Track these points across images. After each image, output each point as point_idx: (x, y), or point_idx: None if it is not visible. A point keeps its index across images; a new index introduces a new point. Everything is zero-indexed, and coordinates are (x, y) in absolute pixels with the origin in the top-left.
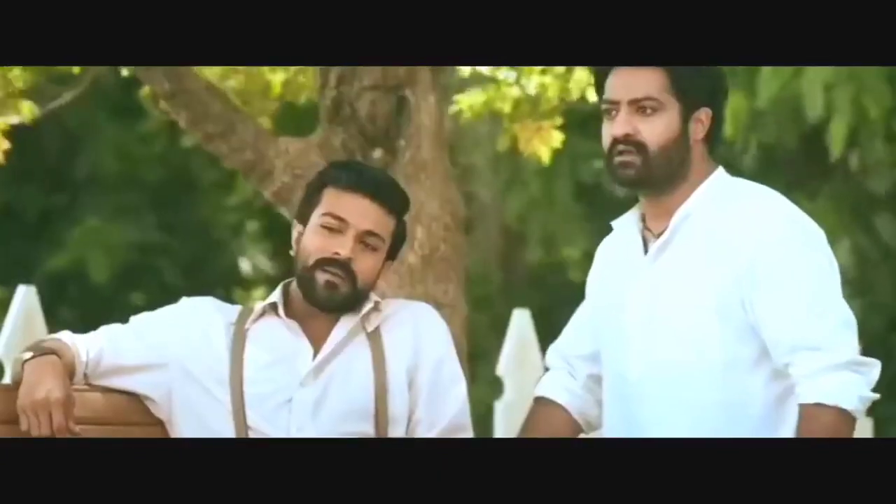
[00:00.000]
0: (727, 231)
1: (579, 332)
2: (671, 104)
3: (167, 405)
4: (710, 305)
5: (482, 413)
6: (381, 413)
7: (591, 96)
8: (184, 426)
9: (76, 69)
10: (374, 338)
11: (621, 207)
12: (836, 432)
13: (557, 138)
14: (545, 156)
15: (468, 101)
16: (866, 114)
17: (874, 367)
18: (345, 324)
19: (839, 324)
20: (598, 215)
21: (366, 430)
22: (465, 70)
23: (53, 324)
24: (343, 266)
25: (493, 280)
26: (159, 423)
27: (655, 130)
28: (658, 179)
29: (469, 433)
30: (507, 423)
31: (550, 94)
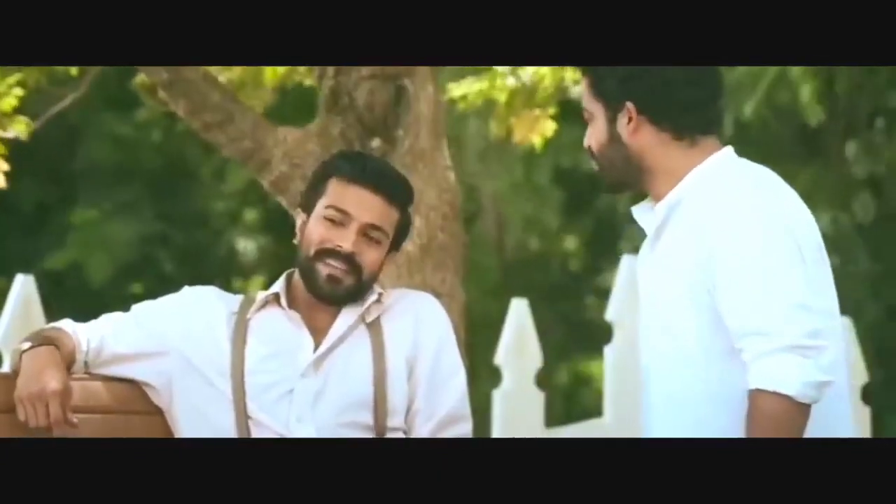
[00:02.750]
0: (699, 218)
1: None
2: (597, 109)
3: (168, 393)
4: (684, 294)
5: (483, 402)
6: (380, 403)
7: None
8: (184, 415)
9: (74, 71)
10: (375, 328)
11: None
12: (779, 419)
13: (550, 127)
14: (538, 144)
15: (461, 90)
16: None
17: (824, 350)
18: (347, 315)
19: (789, 307)
20: (575, 200)
21: (365, 419)
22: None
23: (52, 314)
24: (347, 259)
25: (491, 269)
26: (160, 412)
27: (593, 138)
28: (616, 182)
29: (468, 423)
30: (505, 412)
31: (546, 83)
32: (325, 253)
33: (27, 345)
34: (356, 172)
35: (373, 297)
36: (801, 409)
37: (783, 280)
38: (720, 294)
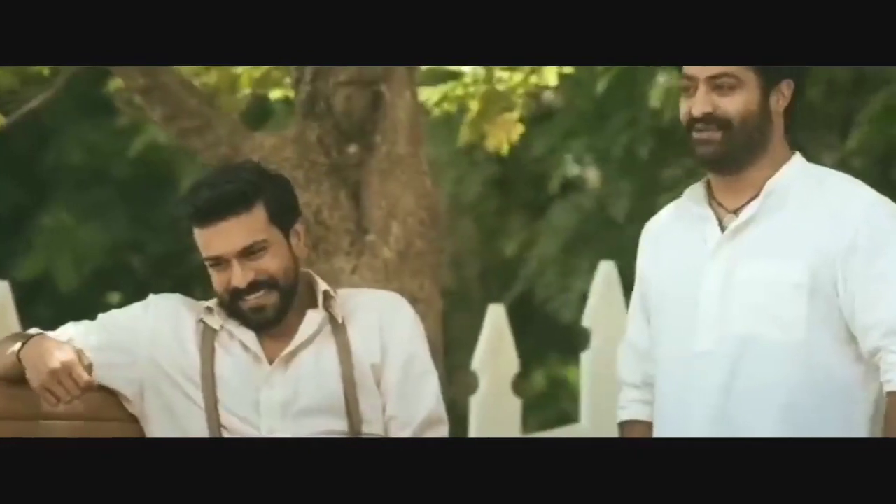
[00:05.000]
0: (823, 212)
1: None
2: (749, 79)
3: (140, 401)
4: (804, 283)
5: (462, 407)
6: (353, 410)
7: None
8: (157, 422)
9: (45, 71)
10: (340, 331)
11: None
12: None
13: (518, 130)
14: (504, 148)
15: (434, 95)
16: None
17: None
18: (311, 320)
19: None
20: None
21: (340, 427)
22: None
23: (25, 322)
24: (252, 288)
25: (468, 274)
26: (135, 420)
27: (735, 106)
28: (739, 155)
29: (445, 425)
30: (481, 418)
31: (519, 90)
32: (233, 295)
33: (17, 345)
34: (196, 215)
35: (320, 295)
36: None
37: None
38: (858, 291)
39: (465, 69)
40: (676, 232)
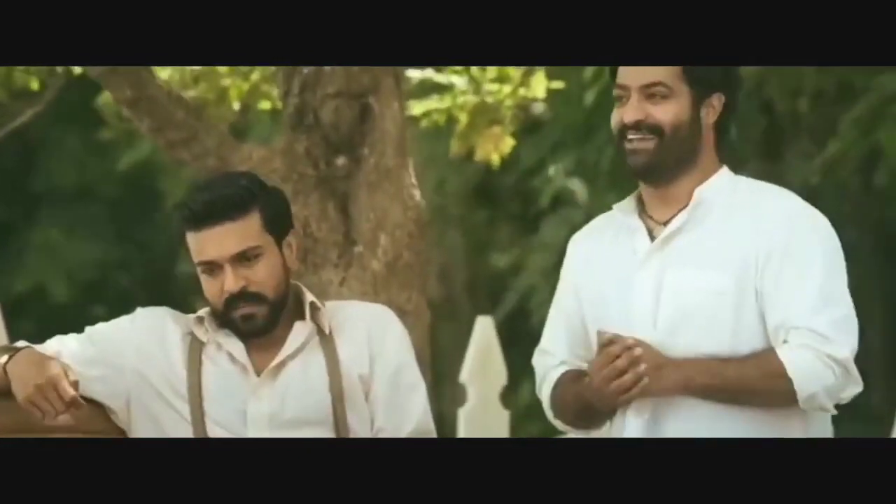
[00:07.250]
0: (747, 221)
1: (574, 330)
2: (681, 90)
3: (126, 414)
4: (728, 290)
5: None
6: (340, 421)
7: (539, 108)
8: (143, 436)
9: (35, 85)
10: (328, 343)
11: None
12: (773, 395)
13: (509, 143)
14: (496, 160)
15: (422, 108)
16: None
17: (857, 387)
18: (299, 331)
19: (847, 318)
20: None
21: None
22: (416, 76)
23: (12, 336)
24: (242, 296)
25: (456, 286)
26: (123, 432)
27: (666, 115)
28: (669, 164)
29: (433, 437)
30: (470, 430)
31: (507, 102)
32: (225, 303)
33: (4, 358)
34: (191, 218)
35: (307, 307)
36: (791, 403)
37: (842, 291)
38: (769, 293)
39: (455, 81)
40: (607, 244)
